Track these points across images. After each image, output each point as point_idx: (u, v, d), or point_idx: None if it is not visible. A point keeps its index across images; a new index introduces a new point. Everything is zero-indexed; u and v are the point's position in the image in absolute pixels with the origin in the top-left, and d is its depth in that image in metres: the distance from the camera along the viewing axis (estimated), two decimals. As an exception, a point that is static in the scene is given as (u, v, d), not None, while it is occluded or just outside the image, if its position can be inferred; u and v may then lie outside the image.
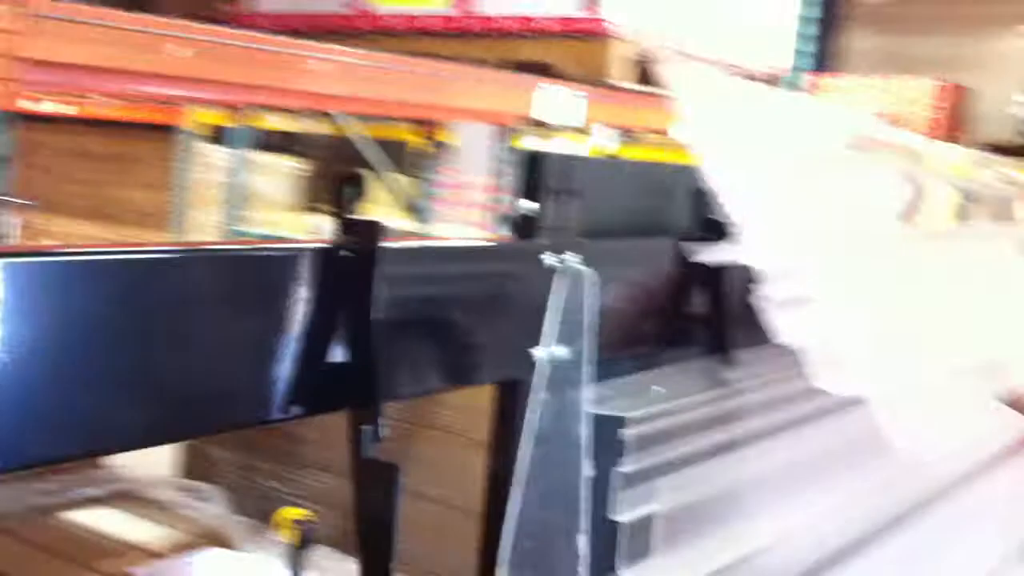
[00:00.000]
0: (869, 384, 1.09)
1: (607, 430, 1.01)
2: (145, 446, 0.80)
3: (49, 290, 0.71)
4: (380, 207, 6.93)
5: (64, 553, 2.46)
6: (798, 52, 3.68)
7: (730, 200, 1.07)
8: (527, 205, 1.02)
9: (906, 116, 5.87)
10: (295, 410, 0.83)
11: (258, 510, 2.95)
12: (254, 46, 2.10)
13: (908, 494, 1.48)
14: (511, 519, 1.00)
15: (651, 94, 3.04)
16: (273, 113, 6.92)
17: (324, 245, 0.84)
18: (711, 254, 1.18)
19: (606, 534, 0.99)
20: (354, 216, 0.84)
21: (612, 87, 2.92)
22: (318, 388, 0.84)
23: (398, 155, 6.88)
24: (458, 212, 6.04)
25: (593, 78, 2.91)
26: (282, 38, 2.10)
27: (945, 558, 1.55)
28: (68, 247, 0.75)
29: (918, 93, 5.85)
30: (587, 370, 1.00)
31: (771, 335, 1.04)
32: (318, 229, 5.66)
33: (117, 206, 8.08)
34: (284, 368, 0.82)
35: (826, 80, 5.91)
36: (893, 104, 5.89)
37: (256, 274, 0.82)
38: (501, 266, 1.02)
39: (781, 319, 1.04)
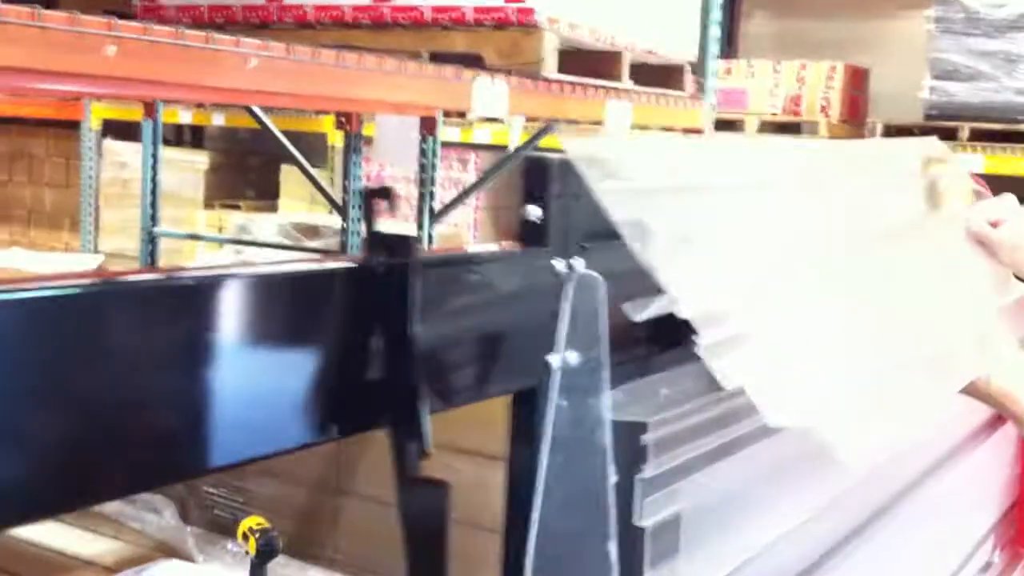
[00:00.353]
0: (815, 410, 1.10)
1: (628, 435, 1.01)
2: (183, 479, 0.78)
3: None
4: (297, 201, 6.85)
5: (13, 571, 2.38)
6: (707, 37, 3.73)
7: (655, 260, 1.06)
8: (534, 211, 1.02)
9: (807, 99, 6.00)
10: (334, 431, 0.82)
11: (208, 520, 2.89)
12: (181, 43, 2.04)
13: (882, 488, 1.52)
14: (533, 527, 1.00)
15: (577, 84, 3.05)
16: (184, 108, 6.78)
17: (356, 262, 0.82)
18: (645, 311, 1.16)
19: (631, 539, 1.00)
20: (384, 230, 0.83)
21: (538, 77, 2.92)
22: (357, 407, 0.82)
23: (318, 148, 6.81)
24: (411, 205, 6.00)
25: (520, 69, 2.91)
26: (203, 33, 2.03)
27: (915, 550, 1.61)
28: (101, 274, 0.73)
29: (818, 76, 5.98)
30: (604, 376, 1.01)
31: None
32: (234, 226, 5.55)
33: (22, 206, 7.85)
34: (322, 388, 0.81)
35: (731, 64, 6.01)
36: (794, 89, 6.02)
37: (290, 294, 0.80)
38: (513, 274, 1.01)
39: (720, 364, 1.05)
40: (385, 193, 0.82)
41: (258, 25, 3.00)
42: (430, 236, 4.19)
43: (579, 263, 1.07)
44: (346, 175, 4.22)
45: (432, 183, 4.13)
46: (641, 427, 1.02)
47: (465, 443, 2.61)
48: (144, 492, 0.75)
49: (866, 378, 1.26)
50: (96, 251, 7.00)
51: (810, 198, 1.50)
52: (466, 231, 6.43)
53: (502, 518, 1.05)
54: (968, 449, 1.85)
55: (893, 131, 5.62)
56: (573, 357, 1.01)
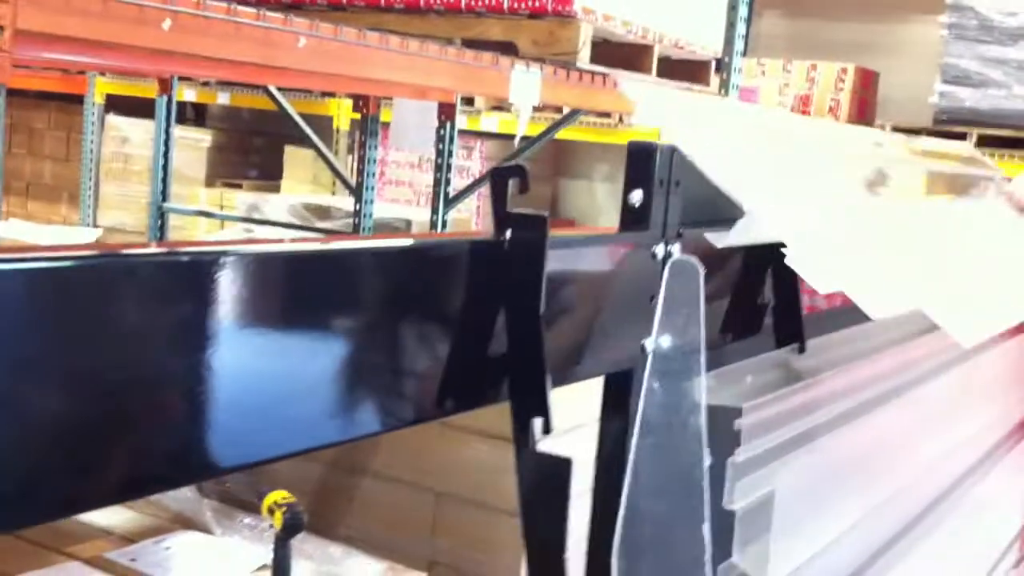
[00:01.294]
0: (916, 299, 1.13)
1: (722, 420, 1.02)
2: (309, 449, 0.79)
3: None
4: (300, 182, 6.84)
5: (36, 539, 2.38)
6: (733, 34, 3.73)
7: (731, 184, 1.07)
8: (637, 196, 1.03)
9: (816, 99, 6.03)
10: (461, 404, 0.83)
11: (222, 494, 2.89)
12: (235, 19, 2.04)
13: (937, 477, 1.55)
14: (623, 509, 1.01)
15: (607, 76, 3.06)
16: (189, 86, 6.75)
17: (491, 239, 0.83)
18: (731, 238, 1.19)
19: (721, 522, 1.01)
20: (516, 209, 0.84)
21: (572, 68, 2.93)
22: (483, 380, 0.83)
23: (323, 131, 6.79)
24: (396, 190, 6.00)
25: (554, 58, 2.91)
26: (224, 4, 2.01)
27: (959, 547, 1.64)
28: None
29: (828, 77, 6.00)
30: (700, 360, 1.02)
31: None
32: (239, 205, 5.53)
33: (21, 179, 7.80)
34: (451, 361, 0.82)
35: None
36: (804, 88, 6.05)
37: (424, 268, 0.81)
38: (616, 257, 1.02)
39: (814, 275, 1.06)
40: (518, 171, 0.83)
41: (290, 6, 3.00)
42: (444, 221, 4.20)
43: (676, 248, 1.08)
44: (362, 158, 4.21)
45: (448, 169, 4.14)
46: (736, 412, 1.03)
47: (484, 425, 2.62)
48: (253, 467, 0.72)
49: (950, 282, 1.29)
50: (95, 225, 6.98)
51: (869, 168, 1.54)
52: (469, 218, 6.44)
53: (591, 500, 1.06)
54: (1003, 451, 1.88)
55: (904, 134, 5.65)
56: (668, 341, 1.02)
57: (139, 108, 6.96)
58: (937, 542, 1.50)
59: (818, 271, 1.03)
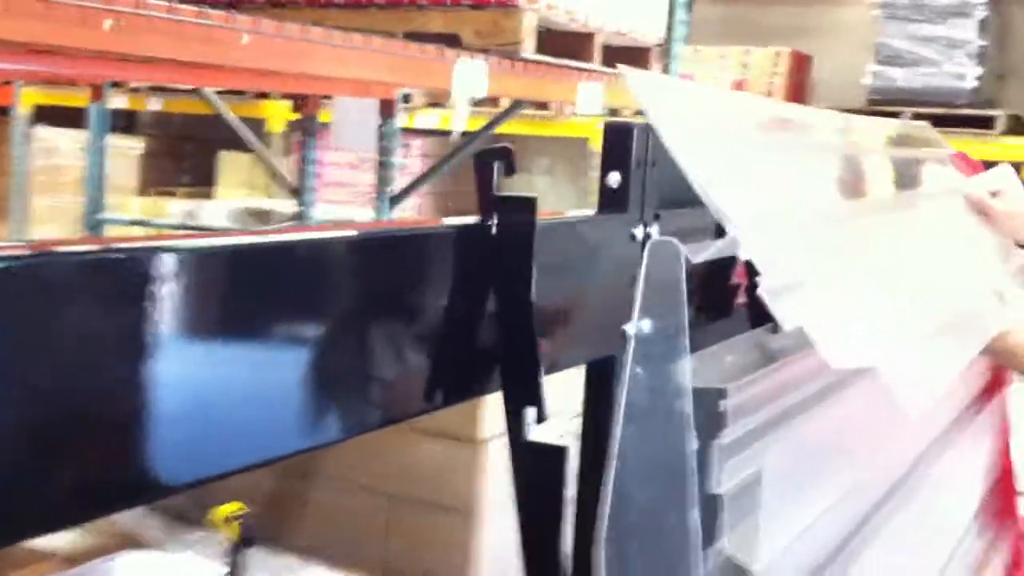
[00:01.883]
0: (872, 353, 1.13)
1: (706, 403, 1.01)
2: (283, 457, 0.76)
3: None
4: (235, 187, 6.74)
5: (-37, 564, 2.30)
6: (674, 20, 3.74)
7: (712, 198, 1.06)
8: (615, 178, 1.01)
9: (751, 84, 6.08)
10: (451, 398, 0.80)
11: (174, 509, 2.83)
12: (177, 18, 1.98)
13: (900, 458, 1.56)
14: (607, 496, 0.99)
15: (555, 65, 3.04)
16: (119, 92, 6.61)
17: (476, 223, 0.81)
18: (704, 253, 1.18)
19: (707, 506, 1.00)
20: (504, 193, 0.81)
21: (516, 58, 2.91)
22: (473, 370, 0.81)
23: (256, 134, 6.69)
24: (335, 191, 5.92)
25: (498, 49, 2.89)
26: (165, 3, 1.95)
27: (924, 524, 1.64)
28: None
29: (763, 62, 6.05)
30: (684, 343, 1.00)
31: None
32: (175, 212, 5.43)
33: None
34: (439, 353, 0.79)
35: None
36: (739, 73, 6.09)
37: (408, 255, 0.78)
38: (595, 240, 1.00)
39: (780, 307, 1.05)
40: (503, 154, 0.80)
41: (230, 4, 2.93)
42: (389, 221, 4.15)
43: (655, 229, 1.06)
44: (302, 159, 4.15)
45: (390, 167, 4.09)
46: (720, 393, 1.02)
47: (436, 425, 2.59)
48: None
49: (911, 327, 1.29)
50: (28, 241, 6.81)
51: (839, 159, 1.55)
52: (411, 217, 6.39)
53: (575, 491, 1.04)
54: (964, 423, 1.89)
55: (837, 116, 5.72)
56: (649, 324, 1.01)
57: (68, 118, 6.81)
58: (912, 512, 1.51)
59: (786, 305, 1.03)
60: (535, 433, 0.81)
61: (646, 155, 1.03)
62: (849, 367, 1.12)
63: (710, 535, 1.02)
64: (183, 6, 1.91)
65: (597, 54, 3.16)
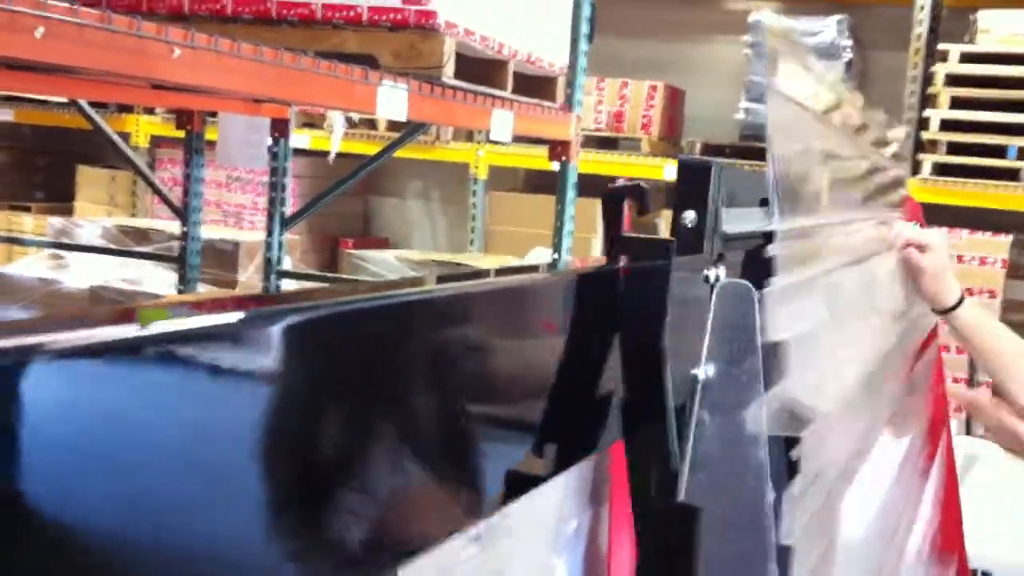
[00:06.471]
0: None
1: (778, 450, 0.97)
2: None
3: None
4: (95, 204, 6.43)
5: None
6: (577, 51, 3.74)
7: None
8: (690, 217, 0.97)
9: (629, 116, 6.16)
10: (601, 443, 0.74)
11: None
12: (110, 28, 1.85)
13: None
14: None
15: (469, 91, 2.99)
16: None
17: (612, 266, 0.75)
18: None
19: (783, 561, 0.96)
20: (635, 233, 0.76)
21: (435, 82, 2.85)
22: (601, 425, 0.75)
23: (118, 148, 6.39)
24: (205, 211, 5.69)
25: (416, 72, 2.82)
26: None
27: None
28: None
29: (639, 95, 6.14)
30: (757, 387, 0.96)
31: None
32: (49, 230, 5.11)
33: None
34: (589, 403, 0.73)
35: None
36: (616, 105, 6.16)
37: (540, 304, 0.72)
38: (671, 282, 0.96)
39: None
40: (637, 192, 0.75)
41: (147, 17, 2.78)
42: (280, 243, 4.01)
43: (722, 270, 1.03)
44: (187, 177, 3.98)
45: (284, 188, 3.96)
46: (794, 440, 0.99)
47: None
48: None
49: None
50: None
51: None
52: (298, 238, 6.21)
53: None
54: (914, 461, 1.92)
55: (711, 150, 5.85)
56: (719, 369, 0.97)
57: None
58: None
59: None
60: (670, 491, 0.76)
61: (718, 193, 0.99)
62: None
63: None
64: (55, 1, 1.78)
65: (509, 82, 3.12)
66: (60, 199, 6.54)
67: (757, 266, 1.09)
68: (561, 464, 0.74)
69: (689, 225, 0.97)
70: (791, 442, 0.99)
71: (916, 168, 5.64)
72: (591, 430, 0.77)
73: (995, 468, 3.17)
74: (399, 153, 6.45)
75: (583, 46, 3.59)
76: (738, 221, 1.09)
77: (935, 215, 5.75)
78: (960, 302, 1.68)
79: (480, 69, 3.10)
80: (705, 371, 0.98)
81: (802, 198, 1.12)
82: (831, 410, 1.08)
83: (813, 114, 1.29)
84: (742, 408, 0.97)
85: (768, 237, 1.04)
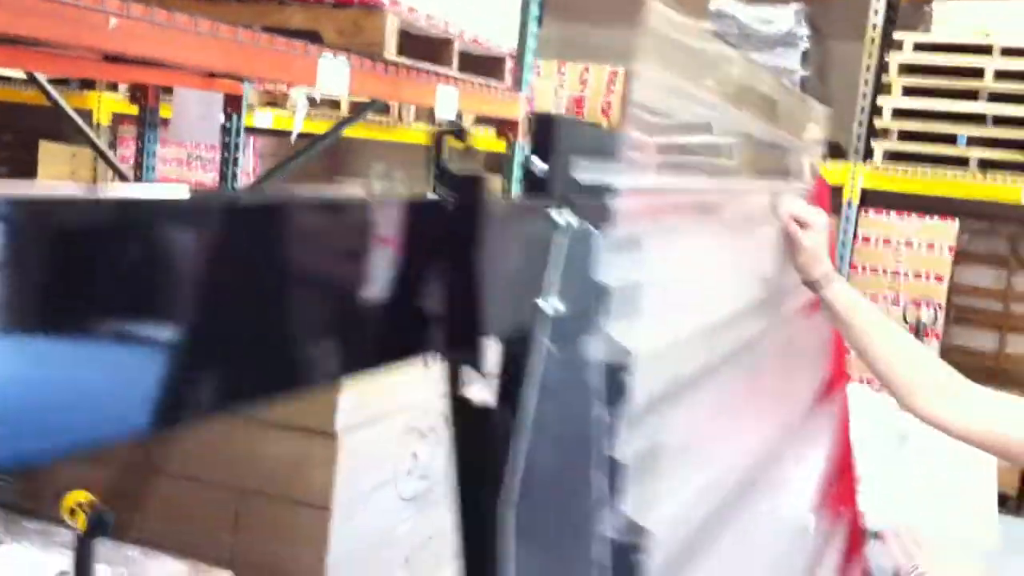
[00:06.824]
0: None
1: (613, 374, 1.08)
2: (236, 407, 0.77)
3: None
4: (57, 180, 6.47)
5: None
6: (526, 32, 3.83)
7: None
8: (539, 164, 1.06)
9: (589, 101, 6.26)
10: (394, 355, 0.83)
11: (10, 499, 2.72)
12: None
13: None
14: (518, 464, 1.04)
15: (412, 68, 3.08)
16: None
17: (433, 199, 0.85)
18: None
19: (612, 473, 1.06)
20: (456, 172, 0.85)
21: (378, 59, 2.94)
22: (422, 332, 0.84)
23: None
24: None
25: (359, 49, 2.91)
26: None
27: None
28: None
29: (599, 80, 6.24)
30: (594, 319, 1.07)
31: None
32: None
33: None
34: (385, 315, 0.82)
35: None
36: (577, 90, 6.26)
37: (363, 223, 0.81)
38: (517, 221, 1.06)
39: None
40: (460, 134, 0.85)
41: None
42: (234, 217, 4.09)
43: (570, 212, 1.12)
44: (141, 152, 4.05)
45: (235, 164, 4.04)
46: (625, 366, 1.09)
47: (285, 418, 2.58)
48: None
49: None
50: None
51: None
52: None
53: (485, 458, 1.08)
54: (810, 416, 2.03)
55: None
56: (563, 303, 1.07)
57: None
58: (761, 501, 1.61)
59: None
60: (471, 391, 0.86)
61: (565, 144, 1.09)
62: None
63: (612, 499, 1.08)
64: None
65: (455, 60, 3.21)
66: (22, 175, 6.59)
67: (610, 215, 1.20)
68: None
69: (534, 170, 1.07)
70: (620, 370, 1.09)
71: (869, 154, 5.77)
72: (413, 335, 0.86)
73: (927, 441, 3.29)
74: (364, 134, 6.55)
75: (533, 28, 3.68)
76: (598, 173, 1.19)
77: (886, 200, 5.90)
78: (828, 279, 1.75)
79: (426, 48, 3.19)
80: (551, 302, 1.08)
81: (650, 159, 1.22)
82: (652, 353, 1.18)
83: (681, 85, 1.39)
84: (580, 337, 1.08)
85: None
